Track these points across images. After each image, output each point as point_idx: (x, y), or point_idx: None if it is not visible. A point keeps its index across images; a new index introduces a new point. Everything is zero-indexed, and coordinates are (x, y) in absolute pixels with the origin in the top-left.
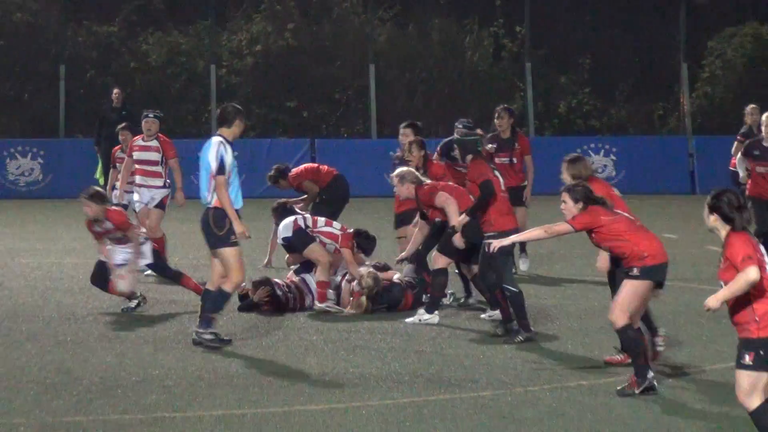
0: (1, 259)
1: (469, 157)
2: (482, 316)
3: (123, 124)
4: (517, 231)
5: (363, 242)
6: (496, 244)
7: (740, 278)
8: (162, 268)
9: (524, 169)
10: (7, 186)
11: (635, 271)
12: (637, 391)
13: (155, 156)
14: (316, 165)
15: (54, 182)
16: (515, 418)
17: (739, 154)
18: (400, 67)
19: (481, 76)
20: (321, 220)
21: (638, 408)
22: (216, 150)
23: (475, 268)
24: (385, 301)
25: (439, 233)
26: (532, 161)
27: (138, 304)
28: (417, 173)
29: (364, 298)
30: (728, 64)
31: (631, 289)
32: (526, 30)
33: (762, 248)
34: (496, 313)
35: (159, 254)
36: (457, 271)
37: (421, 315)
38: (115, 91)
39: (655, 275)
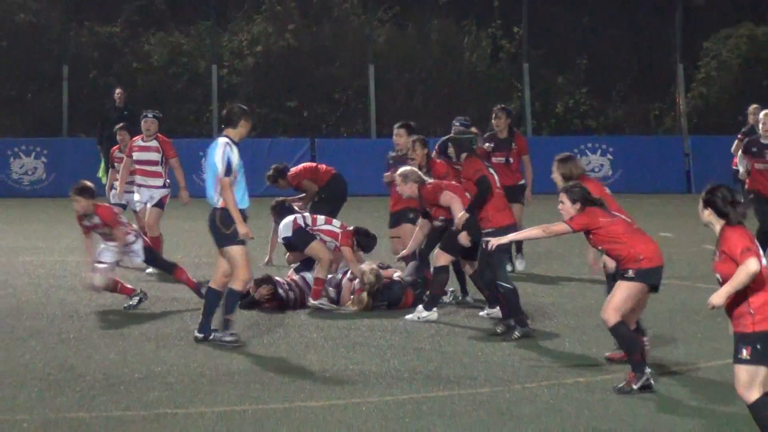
0: (5, 257)
1: (464, 155)
2: (480, 313)
3: (120, 124)
4: (514, 226)
5: (363, 240)
6: (494, 242)
7: (741, 271)
8: (155, 260)
9: (521, 169)
10: (10, 185)
11: (630, 273)
12: (635, 387)
13: (155, 156)
14: (314, 164)
15: (57, 181)
16: (513, 414)
17: (740, 152)
18: (400, 67)
19: (479, 77)
20: (320, 218)
21: (635, 405)
22: (222, 151)
23: (475, 265)
24: (386, 299)
25: (442, 231)
26: (530, 161)
27: (140, 301)
28: (420, 172)
29: (365, 294)
30: (724, 65)
31: (625, 290)
32: (524, 31)
33: (756, 242)
34: (495, 311)
35: (151, 248)
36: (453, 269)
37: (420, 312)
38: (118, 90)
39: (650, 278)
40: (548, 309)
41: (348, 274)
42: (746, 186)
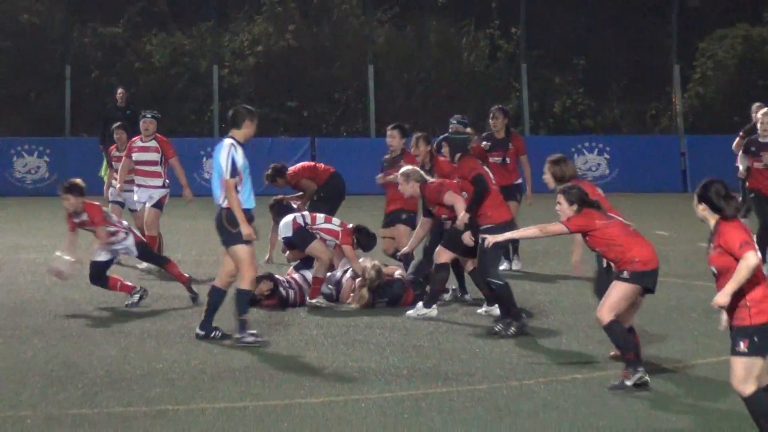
0: (8, 255)
1: (458, 155)
2: (479, 311)
3: (118, 123)
4: (512, 222)
5: (363, 239)
6: (490, 239)
7: (742, 266)
8: (147, 255)
9: (518, 168)
10: (14, 183)
11: (625, 274)
12: (628, 383)
13: (154, 156)
14: (313, 163)
15: (60, 180)
16: (511, 410)
17: (741, 151)
18: (399, 67)
19: (477, 77)
20: (320, 216)
21: (631, 401)
22: (227, 152)
23: (476, 263)
24: (386, 296)
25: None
26: (528, 160)
27: (141, 298)
28: (422, 172)
29: (365, 290)
30: (719, 65)
31: (620, 290)
32: (522, 31)
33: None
34: (493, 309)
35: (143, 243)
36: (452, 268)
37: (419, 309)
38: (120, 90)
39: (644, 280)
40: (545, 306)
41: (348, 273)
42: (747, 185)
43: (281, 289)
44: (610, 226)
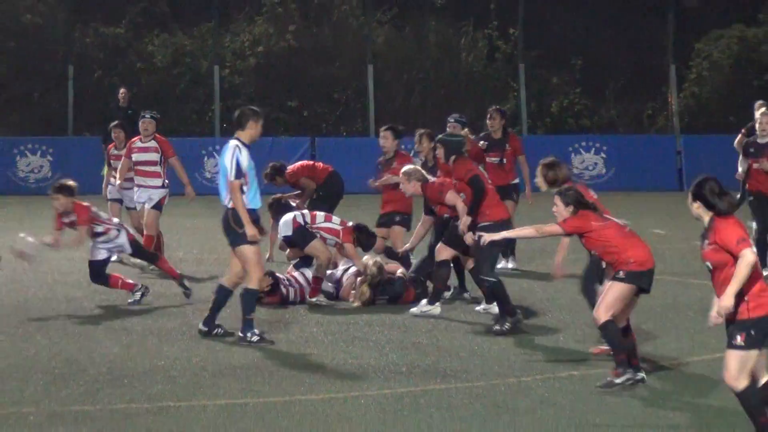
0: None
1: (453, 157)
2: (477, 308)
3: (115, 122)
4: (509, 221)
5: (363, 237)
6: (487, 237)
7: (741, 265)
8: (139, 252)
9: (515, 169)
10: (17, 182)
11: (621, 274)
12: (617, 381)
13: (154, 156)
14: (311, 162)
15: (62, 179)
16: (509, 407)
17: (741, 155)
18: (398, 67)
19: (475, 77)
20: (320, 215)
21: (628, 397)
22: (231, 154)
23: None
24: (387, 294)
25: (446, 225)
26: (526, 160)
27: (142, 295)
28: (423, 171)
29: (366, 286)
30: (715, 66)
31: (616, 290)
32: (520, 32)
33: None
34: (492, 306)
35: (135, 241)
36: (453, 267)
37: (423, 306)
38: (122, 90)
39: (640, 280)
40: (543, 304)
41: (349, 271)
42: (747, 187)
43: (282, 287)
44: (606, 228)
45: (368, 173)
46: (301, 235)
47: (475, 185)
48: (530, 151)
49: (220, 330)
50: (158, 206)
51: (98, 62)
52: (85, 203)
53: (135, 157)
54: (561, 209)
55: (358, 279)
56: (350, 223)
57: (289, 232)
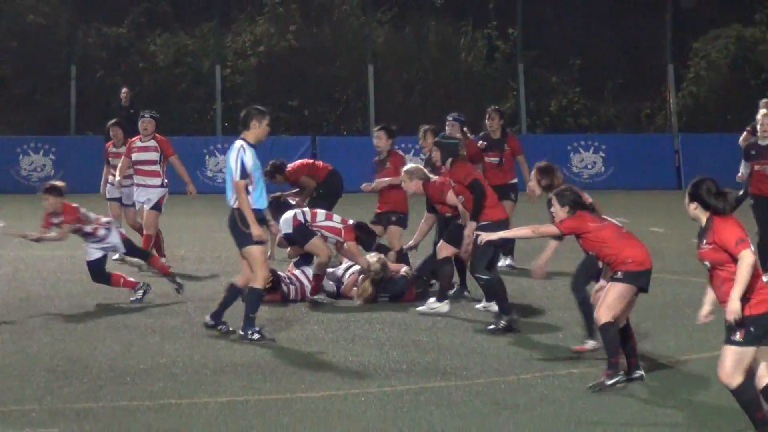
0: (14, 251)
1: (450, 160)
2: (477, 306)
3: (113, 120)
4: (507, 221)
5: (364, 236)
6: (484, 237)
7: (742, 267)
8: (131, 250)
9: (513, 169)
10: (20, 181)
11: (619, 275)
12: (608, 383)
13: (153, 156)
14: (311, 161)
15: (65, 178)
16: (508, 404)
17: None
18: (398, 67)
19: (475, 77)
20: (321, 213)
21: (627, 395)
22: (236, 154)
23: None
24: (389, 291)
25: (447, 222)
26: (525, 160)
27: (144, 293)
28: (425, 170)
29: (368, 283)
30: (712, 65)
31: (615, 291)
32: (519, 32)
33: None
34: (492, 305)
35: (127, 239)
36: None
37: (431, 304)
38: (124, 90)
39: (638, 280)
40: (542, 303)
41: (350, 269)
42: (749, 189)
43: (282, 285)
44: (603, 229)
45: (368, 172)
46: (302, 233)
47: (477, 189)
48: (529, 150)
49: (224, 327)
50: (157, 206)
51: (101, 62)
52: (74, 204)
53: (134, 156)
54: (558, 210)
55: (361, 276)
56: (351, 222)
57: (290, 230)
